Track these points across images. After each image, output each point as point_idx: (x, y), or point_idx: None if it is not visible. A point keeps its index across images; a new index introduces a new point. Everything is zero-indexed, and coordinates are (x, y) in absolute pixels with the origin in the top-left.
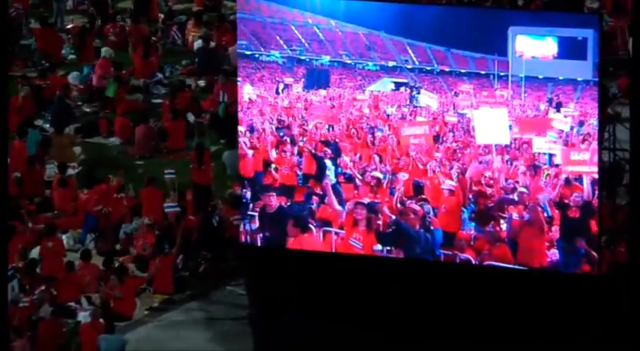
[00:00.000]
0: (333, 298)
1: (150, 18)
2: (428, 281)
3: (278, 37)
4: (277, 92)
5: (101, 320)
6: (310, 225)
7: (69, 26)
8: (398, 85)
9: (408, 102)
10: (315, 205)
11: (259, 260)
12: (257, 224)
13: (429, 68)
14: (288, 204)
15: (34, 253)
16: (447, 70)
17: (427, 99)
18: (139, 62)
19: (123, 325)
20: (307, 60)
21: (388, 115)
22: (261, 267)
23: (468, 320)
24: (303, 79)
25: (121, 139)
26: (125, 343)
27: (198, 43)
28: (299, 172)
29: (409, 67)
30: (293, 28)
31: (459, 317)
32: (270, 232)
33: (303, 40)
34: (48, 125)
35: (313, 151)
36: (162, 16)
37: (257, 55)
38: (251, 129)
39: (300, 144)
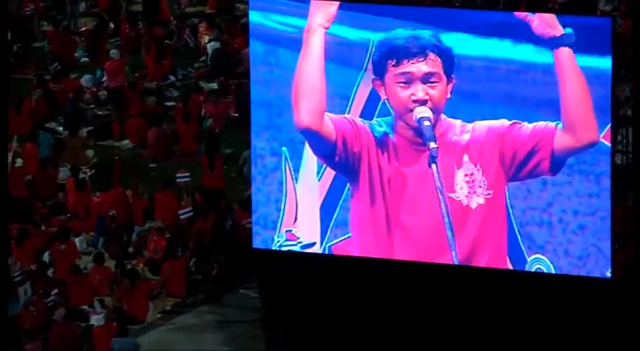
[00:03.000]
0: (346, 301)
1: (162, 21)
2: (444, 286)
3: None
4: None
5: (114, 323)
6: None
7: (82, 29)
8: None
9: None
10: None
11: (272, 263)
12: None
13: None
14: None
15: (47, 256)
16: None
17: None
18: (151, 65)
19: (136, 328)
20: None
21: None
22: (274, 270)
23: (481, 324)
24: None
25: (134, 142)
26: (138, 346)
27: (211, 46)
28: None
29: None
30: None
31: (472, 322)
32: None
33: None
34: (61, 128)
35: None
36: (174, 19)
37: None
38: None
39: None
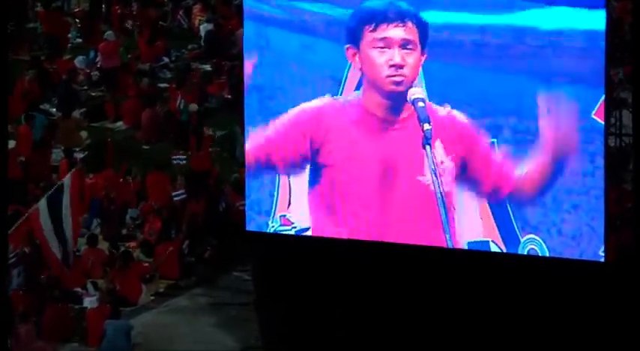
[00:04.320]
0: (339, 284)
1: (156, 2)
2: (437, 269)
3: None
4: None
5: (107, 305)
6: None
7: (76, 10)
8: None
9: None
10: None
11: (266, 246)
12: None
13: None
14: None
15: None
16: None
17: None
18: (144, 46)
19: (128, 310)
20: None
21: None
22: (268, 253)
23: (476, 308)
24: None
25: (129, 123)
26: (131, 328)
27: (204, 28)
28: None
29: None
30: None
31: (465, 305)
32: None
33: None
34: (54, 109)
35: None
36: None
37: None
38: None
39: None
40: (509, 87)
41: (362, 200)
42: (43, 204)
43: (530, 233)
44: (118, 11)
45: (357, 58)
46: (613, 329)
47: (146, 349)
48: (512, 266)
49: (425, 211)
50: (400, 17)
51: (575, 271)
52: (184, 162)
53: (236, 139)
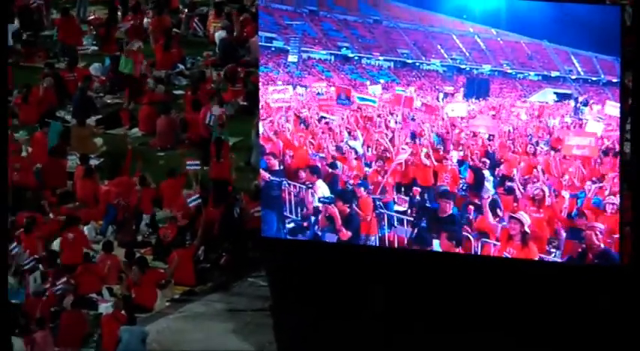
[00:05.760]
0: (354, 289)
1: (171, 9)
2: (449, 276)
3: (439, 46)
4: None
5: (122, 311)
6: (467, 234)
7: (91, 17)
8: (560, 96)
9: (572, 114)
10: (472, 215)
11: (281, 252)
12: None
13: (594, 79)
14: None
15: (56, 244)
16: (615, 80)
17: (613, 109)
18: (160, 53)
19: (144, 316)
20: (468, 69)
21: (550, 127)
22: (283, 258)
23: (490, 312)
24: (462, 88)
25: (143, 130)
26: (146, 334)
27: (219, 34)
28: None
29: (573, 77)
30: (454, 36)
31: (482, 310)
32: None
33: (463, 49)
34: (70, 116)
35: (471, 163)
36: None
37: (417, 64)
38: (412, 136)
39: (461, 154)
40: None
41: None
42: None
43: None
44: (130, 21)
45: None
46: (630, 331)
47: None
48: (529, 270)
49: None
50: None
51: (591, 276)
52: (198, 167)
53: (251, 146)
